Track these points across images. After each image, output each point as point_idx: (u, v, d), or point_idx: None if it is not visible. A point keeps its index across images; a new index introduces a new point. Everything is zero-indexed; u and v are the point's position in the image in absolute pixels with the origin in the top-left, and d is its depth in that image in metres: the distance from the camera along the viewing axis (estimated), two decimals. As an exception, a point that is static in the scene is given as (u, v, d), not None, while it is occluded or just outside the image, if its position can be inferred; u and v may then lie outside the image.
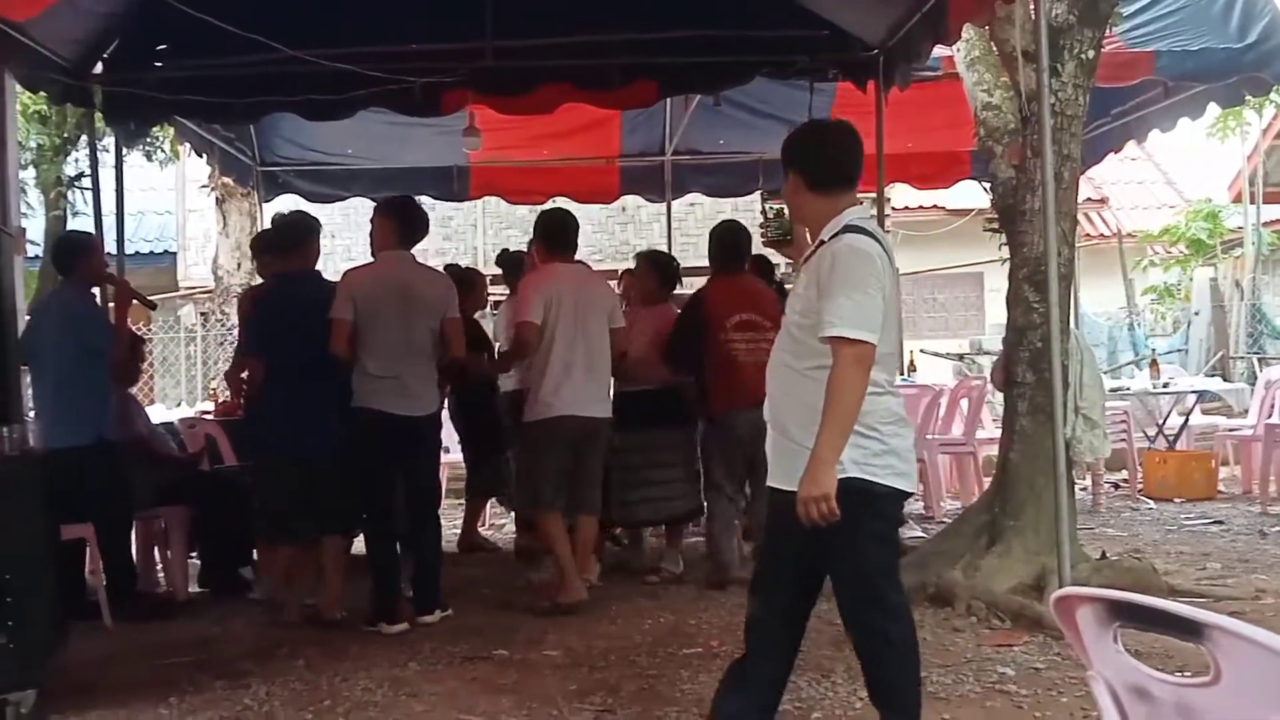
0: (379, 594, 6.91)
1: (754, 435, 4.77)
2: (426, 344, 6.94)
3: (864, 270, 3.84)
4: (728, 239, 8.10)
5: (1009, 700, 5.26)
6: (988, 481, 8.51)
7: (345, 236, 17.42)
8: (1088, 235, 20.16)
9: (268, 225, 10.05)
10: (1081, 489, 10.41)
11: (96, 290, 7.86)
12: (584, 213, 17.88)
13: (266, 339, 6.98)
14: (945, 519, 9.68)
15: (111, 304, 7.84)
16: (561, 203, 12.31)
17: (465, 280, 8.37)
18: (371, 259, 7.18)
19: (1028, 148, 7.14)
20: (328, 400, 6.90)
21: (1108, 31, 7.52)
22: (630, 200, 14.59)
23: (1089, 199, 20.12)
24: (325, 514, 6.99)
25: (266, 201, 12.57)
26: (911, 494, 4.20)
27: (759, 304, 7.70)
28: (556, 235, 7.54)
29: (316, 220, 7.46)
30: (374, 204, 7.71)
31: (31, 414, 7.43)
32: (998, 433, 8.15)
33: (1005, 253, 7.77)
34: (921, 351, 17.73)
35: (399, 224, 7.05)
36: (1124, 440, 11.41)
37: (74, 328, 7.34)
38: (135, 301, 7.78)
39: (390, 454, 6.87)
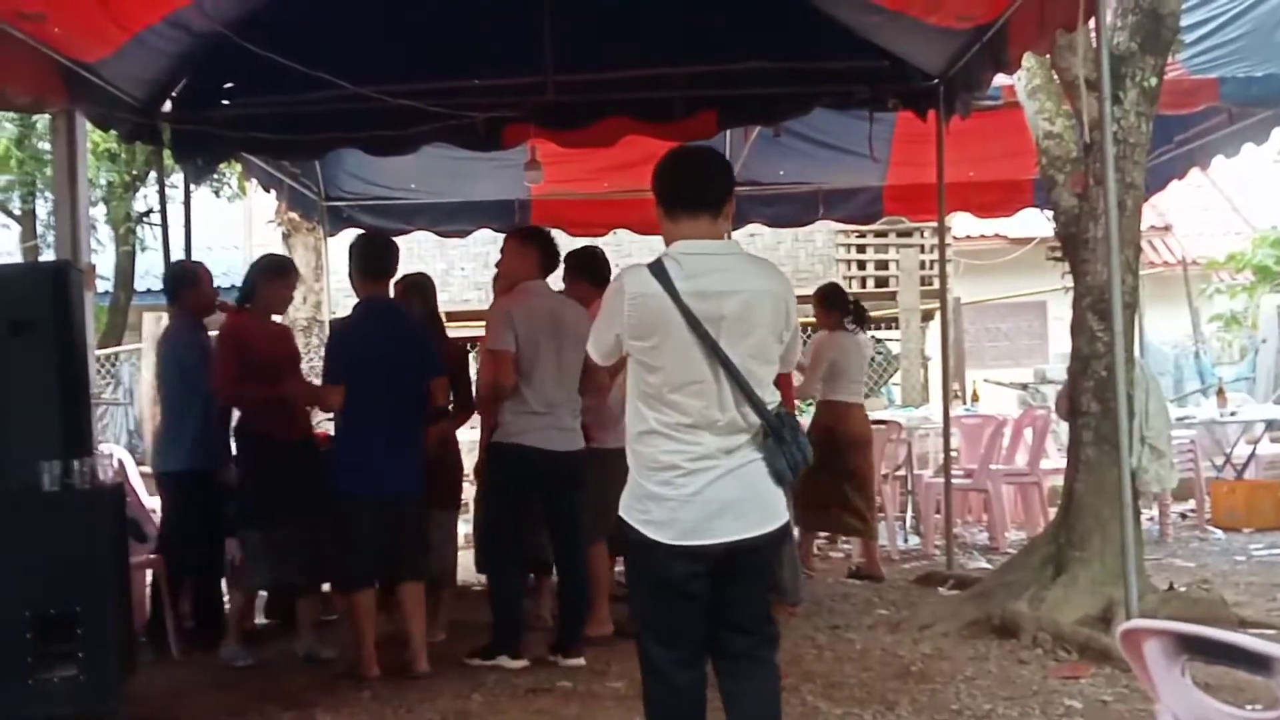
0: (503, 628, 6.70)
1: None
2: (575, 377, 6.70)
3: (608, 297, 3.99)
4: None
5: (1076, 733, 5.22)
6: (1053, 512, 8.44)
7: (408, 269, 17.56)
8: (1152, 263, 19.95)
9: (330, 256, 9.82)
10: (1148, 519, 10.30)
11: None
12: (645, 244, 17.80)
13: (351, 370, 6.52)
14: (1010, 550, 9.60)
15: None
16: (622, 234, 12.37)
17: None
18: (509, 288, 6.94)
19: (1090, 176, 7.10)
20: (415, 437, 6.68)
21: (1170, 59, 7.48)
22: (690, 231, 14.61)
23: (1153, 226, 19.90)
24: (404, 559, 6.71)
25: (331, 236, 12.72)
26: (679, 547, 3.76)
27: None
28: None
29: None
30: (505, 234, 7.54)
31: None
32: (1062, 463, 8.08)
33: (1069, 281, 7.73)
34: (985, 381, 17.60)
35: (541, 252, 6.83)
36: (1191, 470, 11.28)
37: (172, 358, 7.60)
38: None
39: (541, 492, 6.68)
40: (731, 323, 3.78)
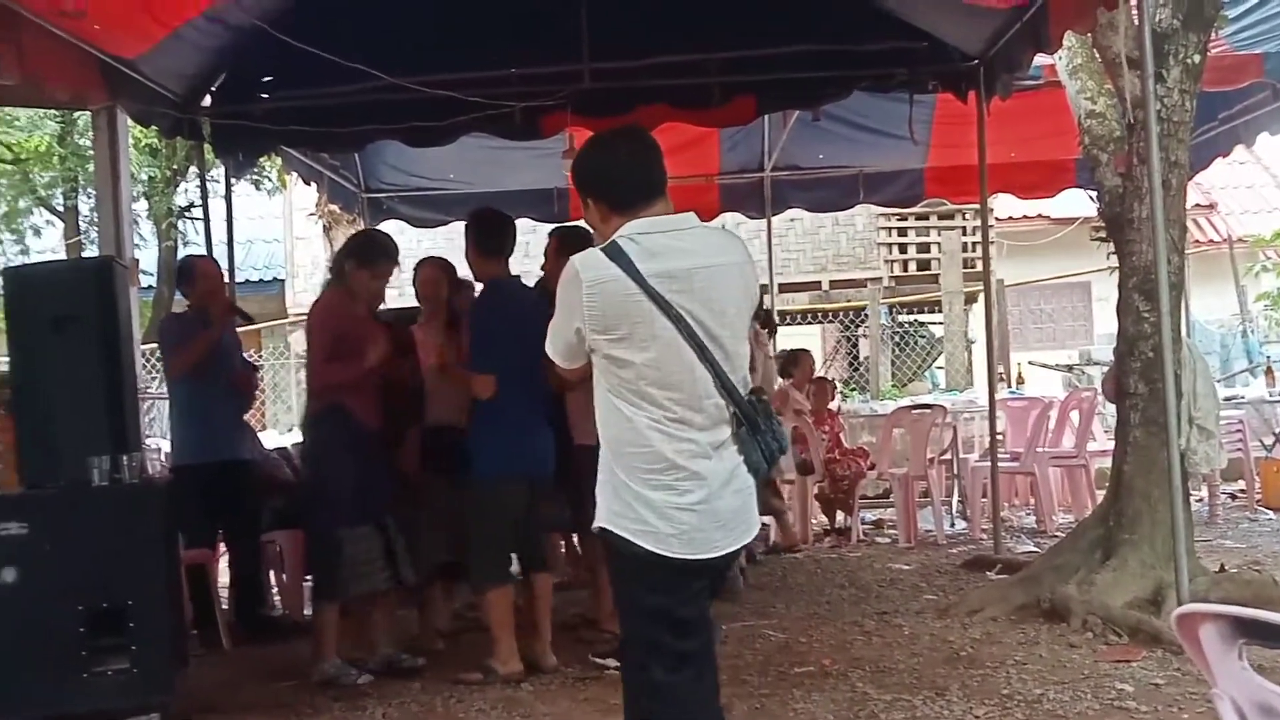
0: None
1: None
2: None
3: (562, 288, 3.55)
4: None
5: (1128, 717, 5.17)
6: (1100, 495, 8.38)
7: (448, 259, 17.60)
8: (1197, 242, 19.76)
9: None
10: (1197, 500, 10.22)
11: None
12: (684, 231, 17.73)
13: (490, 350, 6.22)
14: (1057, 533, 9.55)
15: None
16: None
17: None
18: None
19: (1134, 155, 7.03)
20: (546, 414, 6.37)
21: (1213, 35, 7.40)
22: (730, 218, 14.55)
23: (1197, 205, 19.74)
24: (539, 546, 6.57)
25: (372, 227, 12.75)
26: (684, 561, 3.44)
27: None
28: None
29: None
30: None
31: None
32: (1109, 445, 8.03)
33: (1113, 262, 7.67)
34: (1029, 363, 17.50)
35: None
36: (1240, 450, 11.19)
37: (163, 350, 7.83)
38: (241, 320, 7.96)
39: None
40: (703, 302, 3.44)
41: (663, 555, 3.43)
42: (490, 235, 6.43)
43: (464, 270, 7.55)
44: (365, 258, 6.61)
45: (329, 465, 6.42)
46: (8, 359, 5.91)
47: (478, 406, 6.25)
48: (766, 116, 10.59)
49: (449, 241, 16.98)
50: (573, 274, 3.48)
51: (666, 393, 3.43)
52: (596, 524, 3.56)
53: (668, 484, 3.43)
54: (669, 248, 3.48)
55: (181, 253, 19.37)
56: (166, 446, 9.26)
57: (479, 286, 6.72)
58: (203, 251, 9.72)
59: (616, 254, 3.43)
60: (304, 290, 20.71)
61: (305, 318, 7.45)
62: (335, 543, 6.30)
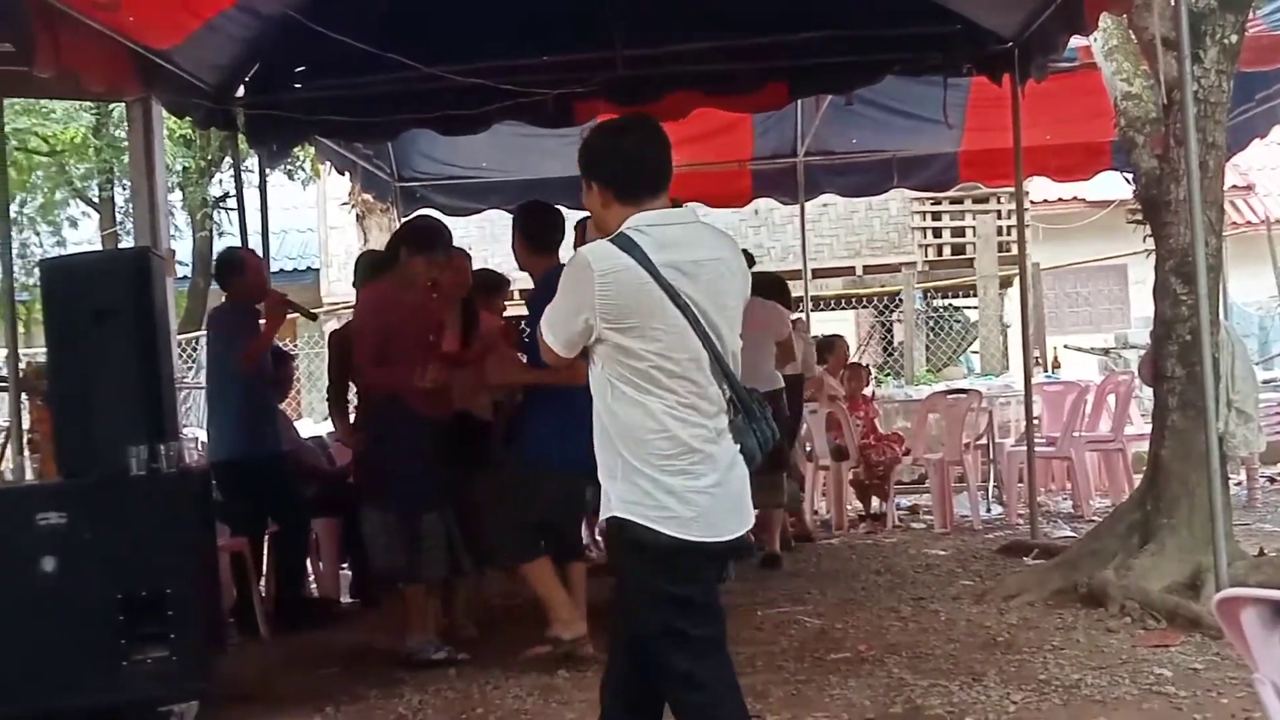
0: None
1: None
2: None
3: (568, 279, 3.55)
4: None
5: (1167, 702, 5.13)
6: (1138, 479, 8.34)
7: (481, 249, 17.60)
8: (1235, 223, 19.59)
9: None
10: (1236, 484, 10.16)
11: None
12: (717, 217, 17.82)
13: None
14: (1095, 518, 9.51)
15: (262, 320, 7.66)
16: (693, 208, 12.38)
17: (490, 283, 7.94)
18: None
19: (1170, 137, 6.98)
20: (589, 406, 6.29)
21: (1250, 15, 7.33)
22: (763, 203, 14.56)
23: (1235, 186, 19.56)
24: (577, 535, 6.54)
25: (405, 217, 12.79)
26: (703, 544, 3.48)
27: None
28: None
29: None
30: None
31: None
32: (1147, 429, 7.99)
33: (1150, 244, 7.61)
34: (1065, 347, 17.42)
35: None
36: (1279, 433, 11.10)
37: (219, 344, 7.71)
38: (296, 314, 7.96)
39: None
40: (708, 294, 3.51)
41: (685, 540, 3.46)
42: (541, 229, 6.32)
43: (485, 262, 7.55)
44: (421, 244, 6.53)
45: (393, 454, 6.41)
46: (44, 350, 5.95)
47: (541, 395, 6.15)
48: (799, 101, 10.56)
49: (480, 230, 17.10)
50: (583, 265, 3.50)
51: (677, 380, 3.47)
52: (608, 514, 3.55)
53: (683, 468, 3.46)
54: (678, 240, 3.55)
55: (217, 243, 19.57)
56: (203, 436, 9.32)
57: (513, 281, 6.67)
58: (237, 242, 9.77)
59: (628, 245, 3.47)
60: (338, 280, 20.78)
61: (340, 306, 7.46)
62: (415, 527, 6.34)
